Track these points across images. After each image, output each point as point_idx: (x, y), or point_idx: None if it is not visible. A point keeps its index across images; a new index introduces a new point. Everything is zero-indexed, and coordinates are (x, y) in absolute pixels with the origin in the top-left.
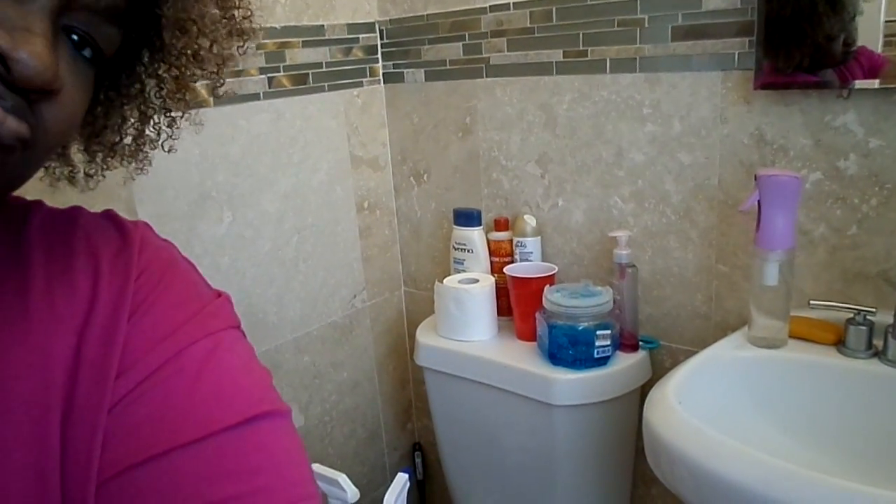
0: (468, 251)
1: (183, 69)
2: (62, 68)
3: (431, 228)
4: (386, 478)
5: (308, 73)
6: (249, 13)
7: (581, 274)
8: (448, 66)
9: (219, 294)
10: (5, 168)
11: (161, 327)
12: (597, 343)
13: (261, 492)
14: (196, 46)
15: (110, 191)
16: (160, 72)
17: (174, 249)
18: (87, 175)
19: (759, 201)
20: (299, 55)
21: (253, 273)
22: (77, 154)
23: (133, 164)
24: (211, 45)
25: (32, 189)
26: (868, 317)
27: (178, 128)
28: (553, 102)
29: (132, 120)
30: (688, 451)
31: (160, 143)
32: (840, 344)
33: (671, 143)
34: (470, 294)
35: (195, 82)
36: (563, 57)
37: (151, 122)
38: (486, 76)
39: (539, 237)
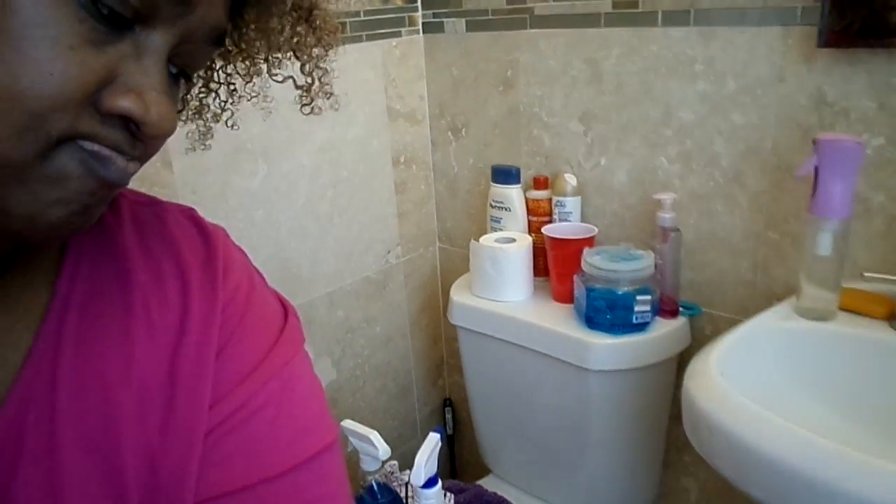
0: (506, 209)
1: (251, 45)
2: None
3: (468, 185)
4: (416, 433)
5: (346, 22)
6: (327, 16)
7: (622, 236)
8: (490, 16)
9: (285, 309)
10: (111, 195)
11: (249, 359)
12: (636, 308)
13: None
14: (265, 23)
15: None
16: (228, 45)
17: (247, 259)
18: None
19: (816, 167)
20: (337, 2)
21: (287, 227)
22: None
23: (196, 137)
24: (281, 27)
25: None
26: None
27: (238, 98)
28: (599, 57)
29: (196, 90)
30: (728, 425)
31: (224, 118)
32: (893, 318)
33: (724, 102)
34: (506, 253)
35: (264, 62)
36: (612, 8)
37: (214, 96)
38: (530, 27)
39: (579, 197)
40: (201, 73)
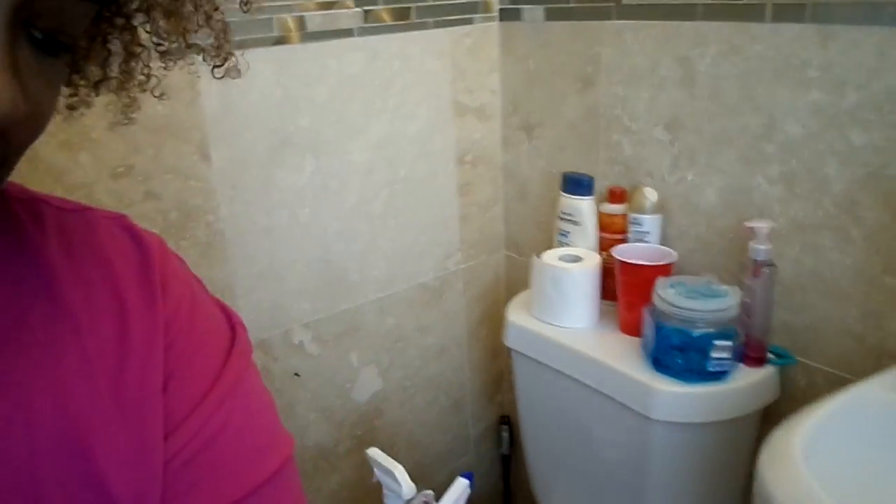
0: (575, 223)
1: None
2: (24, 77)
3: (540, 190)
4: (468, 450)
5: (411, 7)
6: None
7: (706, 265)
8: (571, 4)
9: (230, 319)
10: None
11: (201, 381)
12: (712, 354)
13: None
14: None
15: (184, 133)
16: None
17: (186, 268)
18: (69, 107)
19: None
20: None
21: (336, 227)
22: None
23: (121, 107)
24: None
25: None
26: None
27: (171, 63)
28: (693, 55)
29: (116, 55)
30: None
31: (149, 86)
32: None
33: (841, 116)
34: (569, 274)
35: (190, 18)
36: None
37: (139, 62)
38: (616, 18)
39: (659, 215)
40: (120, 36)
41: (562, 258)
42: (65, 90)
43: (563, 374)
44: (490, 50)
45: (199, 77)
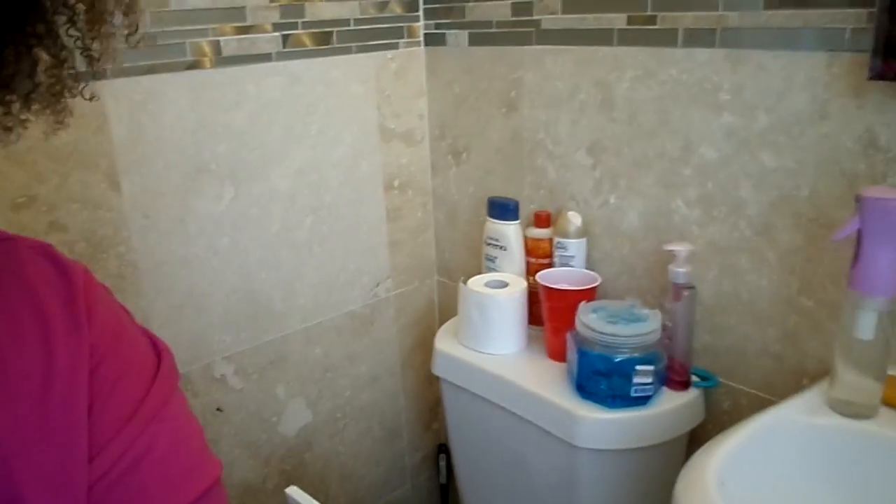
0: (501, 248)
1: None
2: None
3: (468, 215)
4: (405, 480)
5: (332, 32)
6: None
7: (631, 287)
8: (494, 29)
9: (156, 347)
10: None
11: (125, 406)
12: (635, 380)
13: None
14: None
15: (89, 160)
16: (70, 2)
17: (112, 297)
18: (4, 127)
19: (859, 230)
20: (323, 9)
21: (258, 255)
22: None
23: (52, 116)
24: None
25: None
26: None
27: (99, 65)
28: (611, 79)
29: (44, 63)
30: None
31: (80, 89)
32: None
33: (753, 139)
34: (494, 301)
35: (111, 12)
36: (627, 23)
37: (67, 65)
38: (536, 42)
39: (584, 239)
40: (43, 43)
41: (488, 284)
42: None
43: (490, 402)
44: (416, 74)
45: (105, 102)
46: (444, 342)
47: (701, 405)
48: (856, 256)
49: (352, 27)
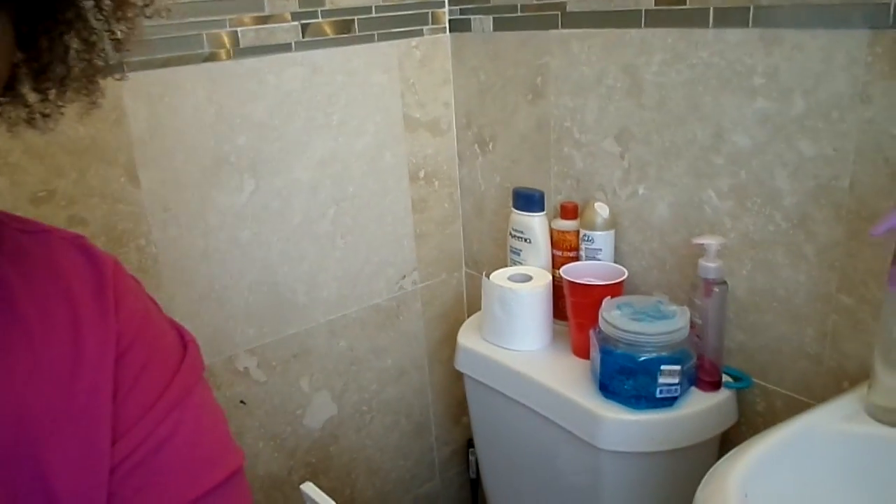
0: (526, 241)
1: None
2: None
3: (496, 206)
4: (434, 474)
5: (353, 20)
6: None
7: (661, 281)
8: (519, 13)
9: (183, 338)
10: None
11: (150, 392)
12: (660, 380)
13: None
14: None
15: (108, 154)
16: None
17: (141, 288)
18: (43, 115)
19: None
20: None
21: (280, 248)
22: (30, 94)
23: (86, 96)
24: None
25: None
26: None
27: (125, 49)
28: (639, 63)
29: (76, 49)
30: None
31: (110, 69)
32: None
33: (789, 125)
34: (517, 295)
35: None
36: (655, 3)
37: (96, 49)
38: (562, 26)
39: (612, 231)
40: (73, 29)
41: (511, 277)
42: (38, 98)
43: (513, 399)
44: (442, 62)
45: (122, 97)
46: (467, 337)
47: (733, 407)
48: None
49: (374, 14)
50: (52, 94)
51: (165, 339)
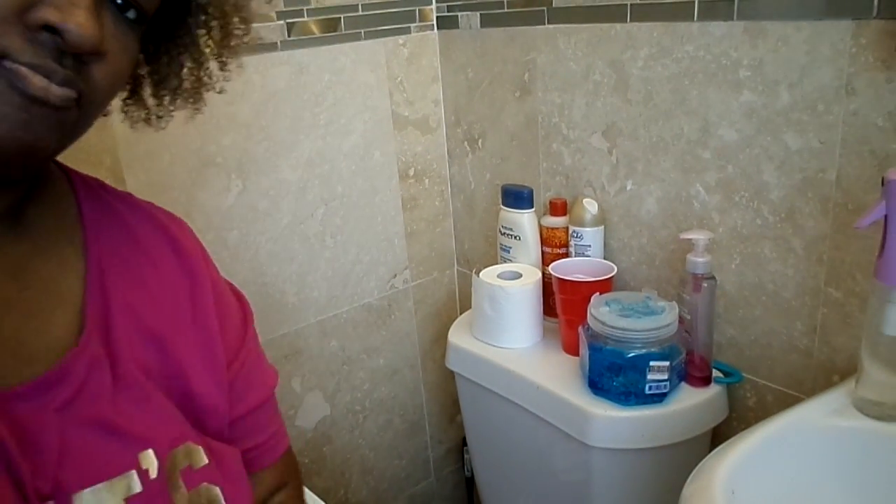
0: (516, 238)
1: (226, 18)
2: (107, 33)
3: (486, 203)
4: (429, 473)
5: (339, 18)
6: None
7: (651, 277)
8: (505, 10)
9: (237, 296)
10: (63, 125)
11: (236, 328)
12: (649, 376)
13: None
14: None
15: (93, 156)
16: (209, 22)
17: (207, 253)
18: (158, 116)
19: (885, 216)
20: None
21: (268, 249)
22: (149, 98)
23: (192, 104)
24: None
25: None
26: None
27: (228, 70)
28: (625, 58)
29: (188, 65)
30: None
31: (214, 84)
32: None
33: (775, 118)
34: (507, 293)
35: (238, 29)
36: None
37: (204, 68)
38: (548, 22)
39: (601, 227)
40: (187, 50)
41: (501, 275)
42: (154, 104)
43: (504, 398)
44: (430, 59)
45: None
46: (458, 335)
47: (724, 402)
48: (882, 245)
49: (360, 13)
50: (167, 100)
51: (231, 295)
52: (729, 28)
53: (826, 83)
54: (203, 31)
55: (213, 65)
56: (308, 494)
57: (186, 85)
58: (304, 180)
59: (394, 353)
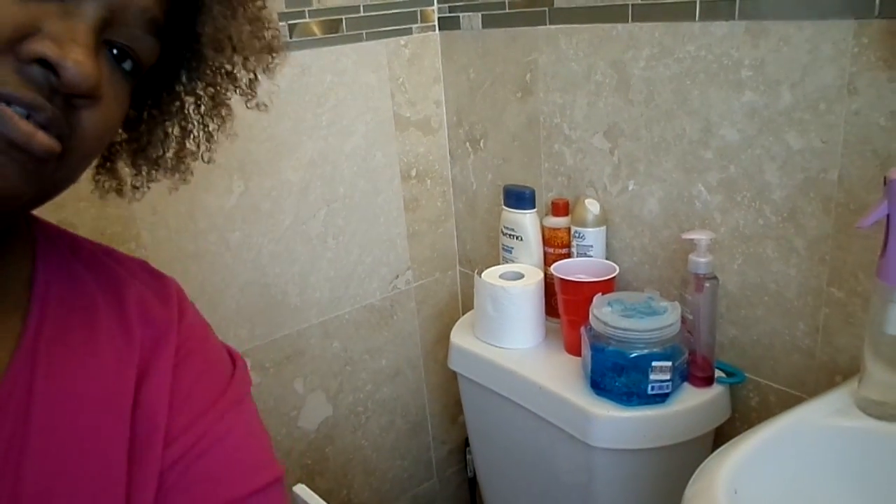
0: (518, 238)
1: (218, 87)
2: (103, 79)
3: (488, 204)
4: (432, 473)
5: (341, 19)
6: (278, 32)
7: (653, 277)
8: (507, 10)
9: (232, 356)
10: (42, 177)
11: (206, 396)
12: (652, 376)
13: None
14: (230, 64)
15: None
16: (197, 90)
17: (198, 312)
18: (133, 187)
19: (887, 215)
20: None
21: (270, 249)
22: (124, 168)
23: (176, 176)
24: (244, 62)
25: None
26: None
27: (215, 141)
28: (627, 59)
29: (174, 135)
30: None
31: (200, 154)
32: None
33: (777, 118)
34: (508, 294)
35: (229, 98)
36: None
37: (191, 137)
38: (550, 23)
39: (603, 228)
40: (174, 119)
41: (503, 275)
42: (129, 172)
43: (506, 398)
44: (432, 60)
45: None
46: (460, 336)
47: (726, 402)
48: (884, 245)
49: (362, 14)
50: (145, 171)
51: (217, 354)
52: (730, 28)
53: (828, 83)
54: (192, 99)
55: (200, 133)
56: (310, 495)
57: (169, 154)
58: (307, 181)
59: (396, 353)
